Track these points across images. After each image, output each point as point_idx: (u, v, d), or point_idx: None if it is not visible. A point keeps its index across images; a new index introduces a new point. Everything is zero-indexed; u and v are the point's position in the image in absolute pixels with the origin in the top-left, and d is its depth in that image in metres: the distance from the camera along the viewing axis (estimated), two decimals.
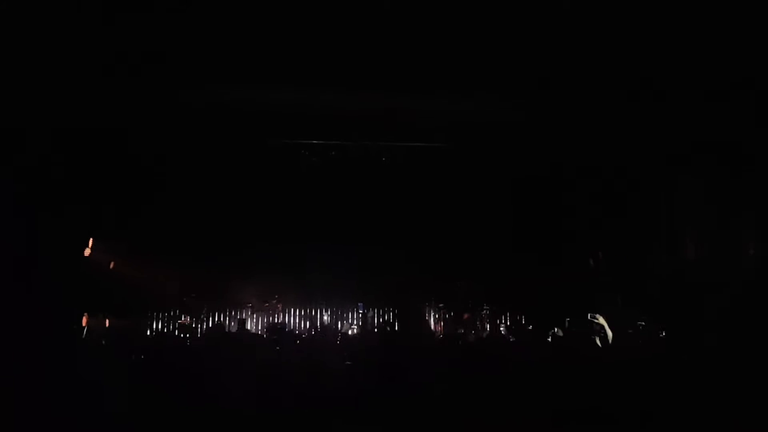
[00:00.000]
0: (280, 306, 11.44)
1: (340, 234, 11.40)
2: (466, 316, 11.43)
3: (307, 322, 12.23)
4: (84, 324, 8.97)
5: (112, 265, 9.79)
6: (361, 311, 12.31)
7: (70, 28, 6.73)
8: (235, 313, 11.74)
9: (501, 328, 11.24)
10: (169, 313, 11.17)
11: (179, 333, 10.55)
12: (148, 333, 10.63)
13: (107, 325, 9.24)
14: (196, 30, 6.99)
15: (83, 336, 8.53)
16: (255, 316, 11.44)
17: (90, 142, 8.78)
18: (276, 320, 11.36)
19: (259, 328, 11.44)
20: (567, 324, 10.40)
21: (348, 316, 12.54)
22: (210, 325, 11.15)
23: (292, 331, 11.09)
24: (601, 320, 7.23)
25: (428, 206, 11.34)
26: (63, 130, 8.12)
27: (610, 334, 6.92)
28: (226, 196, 10.83)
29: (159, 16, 6.73)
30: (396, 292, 11.29)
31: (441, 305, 11.65)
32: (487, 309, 11.57)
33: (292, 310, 12.26)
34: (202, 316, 11.09)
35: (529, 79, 7.97)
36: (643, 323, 8.80)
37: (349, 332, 11.51)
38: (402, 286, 11.06)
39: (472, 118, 9.34)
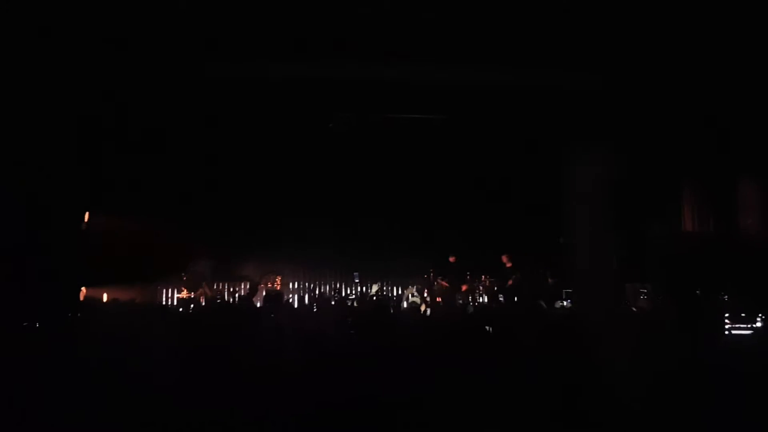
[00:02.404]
0: (278, 279, 11.40)
1: (341, 207, 11.41)
2: (464, 287, 11.47)
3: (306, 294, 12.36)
4: (82, 298, 8.92)
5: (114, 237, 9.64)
6: (357, 280, 12.61)
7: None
8: (234, 288, 11.78)
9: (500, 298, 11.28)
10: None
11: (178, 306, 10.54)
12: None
13: (106, 298, 9.18)
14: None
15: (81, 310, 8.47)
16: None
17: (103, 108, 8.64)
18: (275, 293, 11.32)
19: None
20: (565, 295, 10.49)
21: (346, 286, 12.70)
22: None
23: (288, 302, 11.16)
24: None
25: (427, 177, 11.29)
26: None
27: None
28: (220, 173, 10.74)
29: None
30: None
31: (441, 277, 11.66)
32: (486, 280, 11.61)
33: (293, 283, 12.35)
34: (201, 290, 11.04)
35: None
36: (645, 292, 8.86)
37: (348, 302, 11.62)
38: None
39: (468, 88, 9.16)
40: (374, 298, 11.65)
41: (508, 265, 11.01)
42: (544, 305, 9.02)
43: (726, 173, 9.40)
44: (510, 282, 10.91)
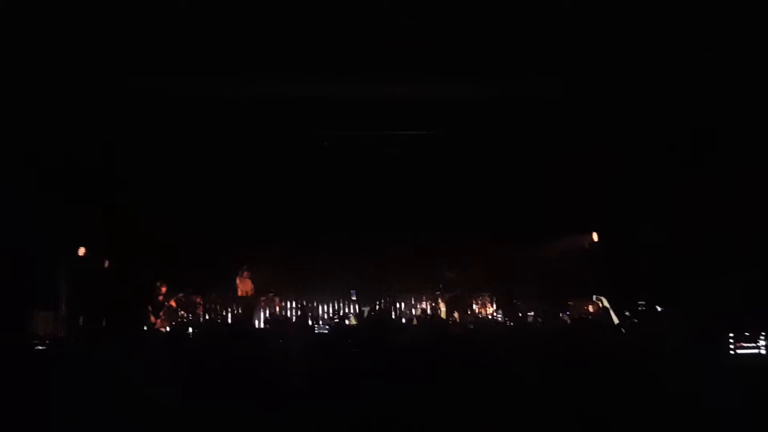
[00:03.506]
0: (278, 299, 11.37)
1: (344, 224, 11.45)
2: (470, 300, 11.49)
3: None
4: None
5: (106, 264, 9.62)
6: (353, 297, 12.46)
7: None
8: (233, 308, 11.70)
9: (498, 314, 11.33)
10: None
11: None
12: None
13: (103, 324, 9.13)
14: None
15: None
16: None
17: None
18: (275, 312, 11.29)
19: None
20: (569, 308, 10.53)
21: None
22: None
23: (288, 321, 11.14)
24: (605, 302, 7.25)
25: (429, 195, 11.36)
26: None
27: (614, 316, 6.95)
28: (220, 192, 10.71)
29: None
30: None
31: (438, 291, 11.68)
32: (486, 294, 11.65)
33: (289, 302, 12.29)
34: (198, 312, 10.98)
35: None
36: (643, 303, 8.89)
37: (346, 321, 11.57)
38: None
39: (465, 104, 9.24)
40: (372, 313, 11.58)
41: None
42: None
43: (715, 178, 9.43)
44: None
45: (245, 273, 10.90)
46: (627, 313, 9.16)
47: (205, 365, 5.51)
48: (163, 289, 10.35)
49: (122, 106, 8.42)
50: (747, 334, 6.24)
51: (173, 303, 10.49)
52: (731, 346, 6.16)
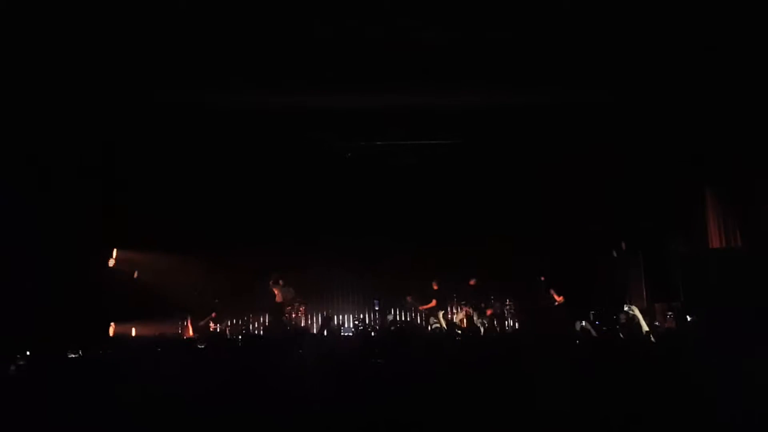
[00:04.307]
0: (303, 309, 11.43)
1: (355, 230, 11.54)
2: (488, 311, 11.41)
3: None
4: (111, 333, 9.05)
5: (135, 275, 9.83)
6: (376, 307, 12.47)
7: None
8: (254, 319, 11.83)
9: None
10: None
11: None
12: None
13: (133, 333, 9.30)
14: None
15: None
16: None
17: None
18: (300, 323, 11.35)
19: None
20: (592, 317, 10.37)
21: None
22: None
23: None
24: (636, 311, 7.12)
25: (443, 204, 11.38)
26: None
27: (644, 325, 6.81)
28: (245, 202, 10.92)
29: None
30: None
31: (463, 302, 11.62)
32: (509, 304, 11.54)
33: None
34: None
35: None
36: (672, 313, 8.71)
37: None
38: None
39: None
40: (392, 327, 11.57)
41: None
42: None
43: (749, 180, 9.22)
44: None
45: (280, 281, 11.05)
46: (656, 323, 9.00)
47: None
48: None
49: (147, 118, 8.66)
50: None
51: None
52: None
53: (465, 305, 11.55)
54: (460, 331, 10.20)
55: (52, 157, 7.98)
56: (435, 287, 11.39)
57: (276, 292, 10.95)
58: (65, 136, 8.08)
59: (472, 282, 11.50)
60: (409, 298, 11.61)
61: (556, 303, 10.60)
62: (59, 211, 7.95)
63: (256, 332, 11.55)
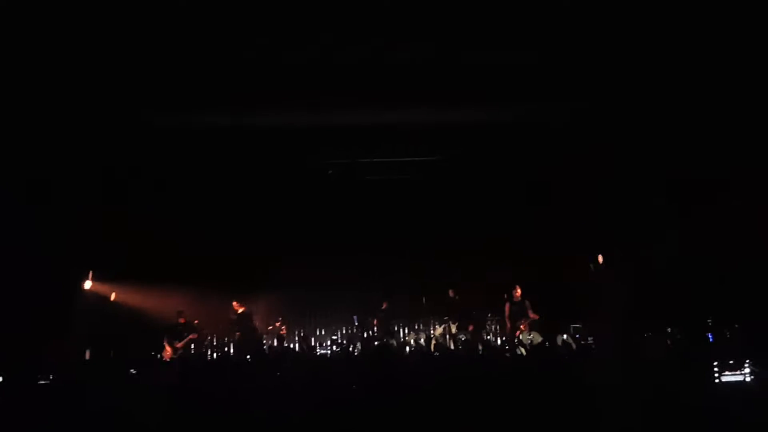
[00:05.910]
0: (284, 328, 11.34)
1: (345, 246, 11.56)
2: (470, 327, 11.39)
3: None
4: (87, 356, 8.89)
5: (113, 297, 9.69)
6: (356, 324, 12.46)
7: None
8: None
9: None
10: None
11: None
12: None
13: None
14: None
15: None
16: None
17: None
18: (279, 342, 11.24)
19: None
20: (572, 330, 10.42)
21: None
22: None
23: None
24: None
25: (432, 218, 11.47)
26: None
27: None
28: (236, 220, 10.89)
29: None
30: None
31: (446, 318, 11.61)
32: (492, 319, 11.55)
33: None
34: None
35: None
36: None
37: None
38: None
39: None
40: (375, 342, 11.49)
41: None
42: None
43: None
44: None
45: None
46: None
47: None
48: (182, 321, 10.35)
49: (145, 140, 8.61)
50: (731, 361, 6.14)
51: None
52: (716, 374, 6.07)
53: (447, 319, 11.53)
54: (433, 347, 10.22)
55: (25, 177, 7.84)
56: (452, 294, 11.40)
57: (252, 311, 10.85)
58: (44, 157, 7.96)
59: (451, 293, 11.51)
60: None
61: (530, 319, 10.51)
62: (33, 232, 7.81)
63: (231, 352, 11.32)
